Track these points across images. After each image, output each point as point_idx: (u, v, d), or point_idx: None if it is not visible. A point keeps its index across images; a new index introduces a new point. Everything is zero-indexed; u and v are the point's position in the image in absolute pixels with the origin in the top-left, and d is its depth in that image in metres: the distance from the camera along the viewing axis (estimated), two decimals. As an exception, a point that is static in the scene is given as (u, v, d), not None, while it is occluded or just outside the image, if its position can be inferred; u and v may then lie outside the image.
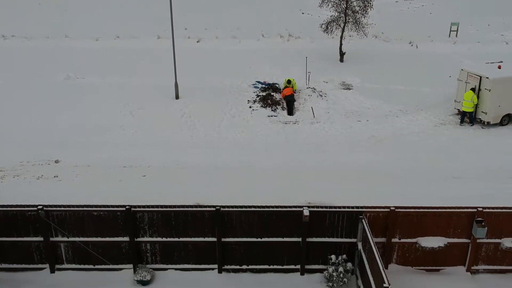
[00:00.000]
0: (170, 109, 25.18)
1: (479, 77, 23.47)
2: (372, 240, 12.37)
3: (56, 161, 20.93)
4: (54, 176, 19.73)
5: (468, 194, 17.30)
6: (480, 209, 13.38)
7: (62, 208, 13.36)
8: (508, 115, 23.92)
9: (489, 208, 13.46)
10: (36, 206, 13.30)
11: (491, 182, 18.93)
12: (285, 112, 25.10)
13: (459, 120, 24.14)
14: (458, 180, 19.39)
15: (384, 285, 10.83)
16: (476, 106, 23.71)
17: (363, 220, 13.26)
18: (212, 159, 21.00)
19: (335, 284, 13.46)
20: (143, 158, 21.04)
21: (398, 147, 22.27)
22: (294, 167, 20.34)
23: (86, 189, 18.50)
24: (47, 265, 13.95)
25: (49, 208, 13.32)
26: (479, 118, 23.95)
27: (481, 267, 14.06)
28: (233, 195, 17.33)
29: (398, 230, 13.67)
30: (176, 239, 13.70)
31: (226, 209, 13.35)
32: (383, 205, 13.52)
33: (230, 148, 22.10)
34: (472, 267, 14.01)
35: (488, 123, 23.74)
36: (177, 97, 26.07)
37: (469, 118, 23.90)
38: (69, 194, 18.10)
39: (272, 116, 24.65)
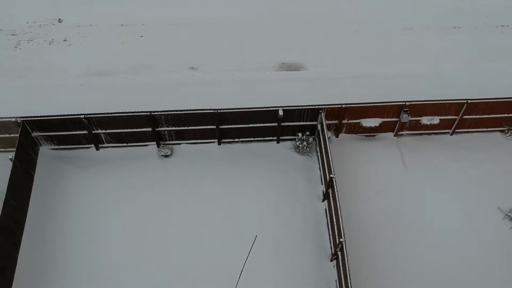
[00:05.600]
0: None
1: None
2: (325, 126, 17.88)
3: (59, 20, 23.49)
4: (64, 40, 22.80)
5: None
6: (408, 103, 18.32)
7: (99, 115, 17.79)
8: None
9: (414, 101, 18.39)
10: (80, 115, 17.68)
11: (436, 34, 23.15)
12: None
13: None
14: (409, 31, 23.38)
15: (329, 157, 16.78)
16: None
17: (321, 113, 18.25)
18: (199, 13, 23.87)
19: (300, 151, 19.31)
20: (136, 14, 23.73)
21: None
22: (274, 22, 23.65)
23: (96, 55, 22.12)
24: (92, 145, 19.15)
25: (89, 115, 17.74)
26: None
27: (404, 132, 19.81)
28: (221, 58, 21.97)
29: (347, 116, 18.81)
30: (186, 127, 18.71)
31: (223, 110, 18.00)
32: (337, 102, 18.32)
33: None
34: (398, 133, 19.76)
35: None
36: None
37: None
38: (82, 62, 21.88)
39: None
